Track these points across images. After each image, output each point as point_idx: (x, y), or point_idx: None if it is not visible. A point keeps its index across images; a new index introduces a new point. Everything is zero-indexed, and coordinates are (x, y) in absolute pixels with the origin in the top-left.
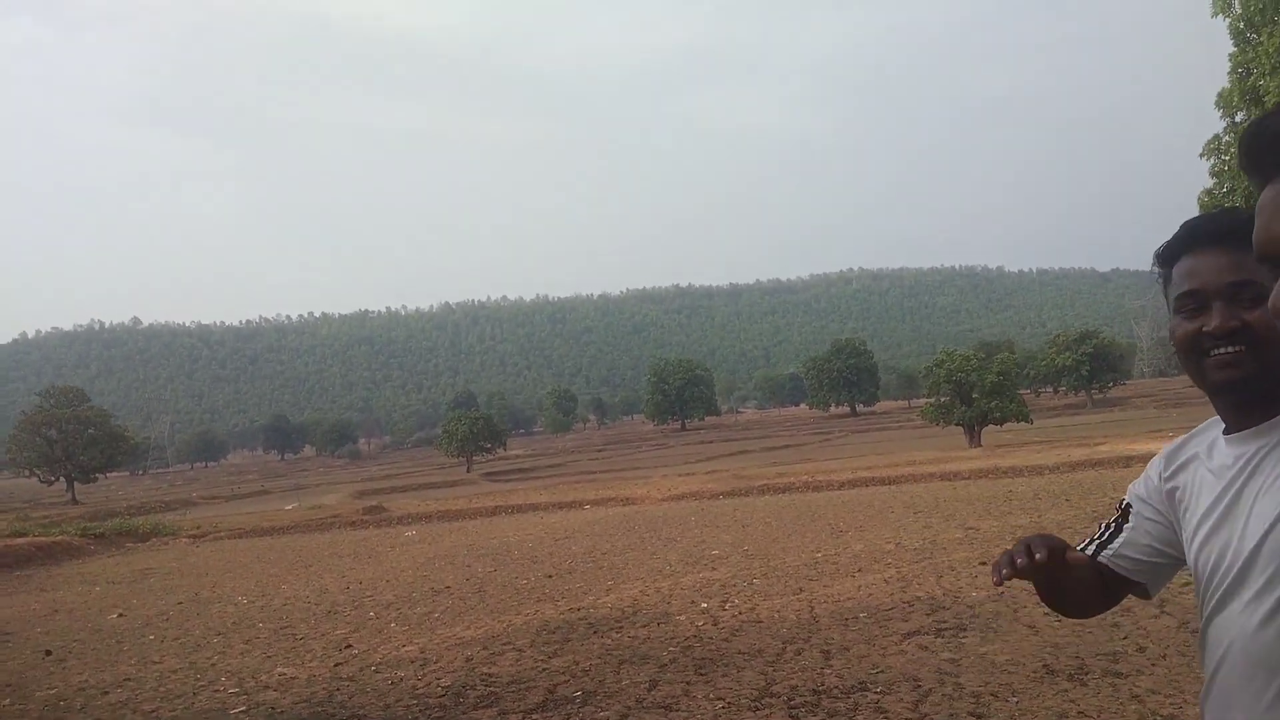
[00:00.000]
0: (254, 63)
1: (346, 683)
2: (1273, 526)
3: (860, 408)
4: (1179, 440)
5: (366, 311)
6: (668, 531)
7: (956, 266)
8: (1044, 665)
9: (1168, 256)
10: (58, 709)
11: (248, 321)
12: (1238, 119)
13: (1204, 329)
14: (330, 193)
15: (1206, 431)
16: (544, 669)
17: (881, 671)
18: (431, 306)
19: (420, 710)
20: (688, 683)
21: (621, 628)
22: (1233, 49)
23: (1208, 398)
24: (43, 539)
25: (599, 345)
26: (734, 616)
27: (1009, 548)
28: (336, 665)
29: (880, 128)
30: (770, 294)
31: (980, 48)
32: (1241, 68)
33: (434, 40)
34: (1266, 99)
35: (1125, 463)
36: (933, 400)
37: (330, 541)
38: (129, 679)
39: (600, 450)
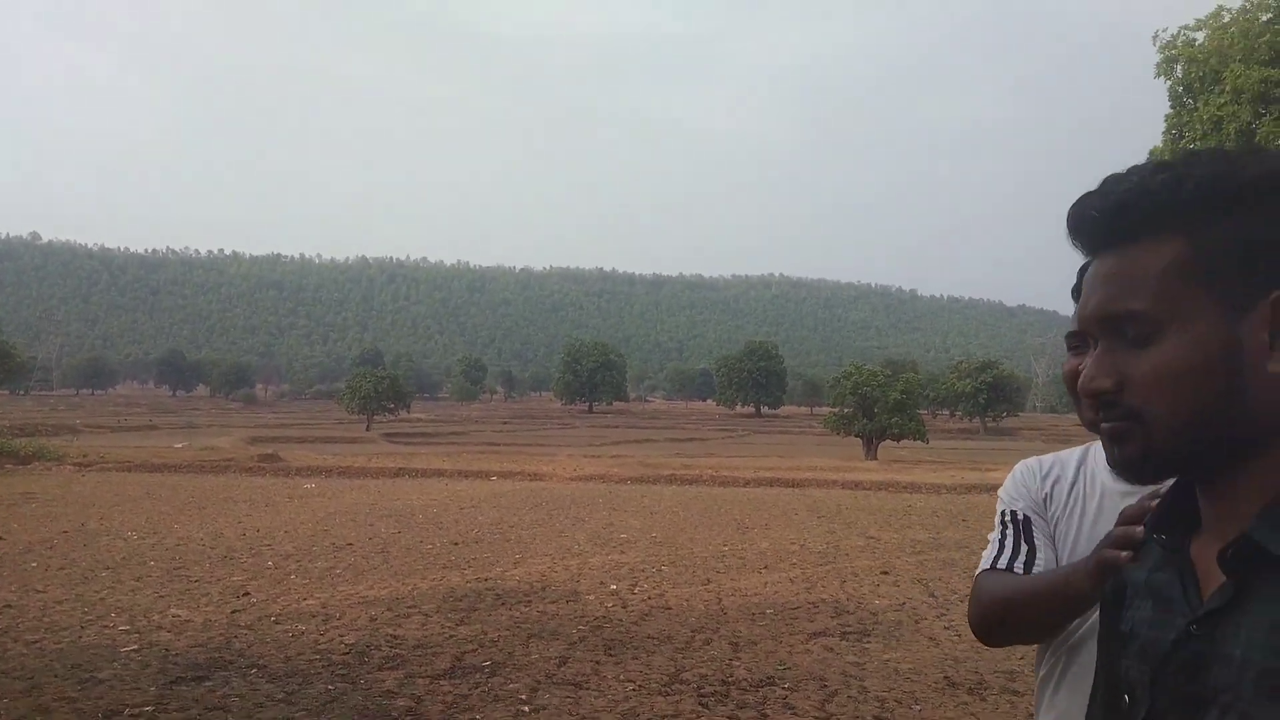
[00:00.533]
0: None
1: (244, 630)
2: None
3: (765, 409)
4: (1044, 459)
5: (279, 255)
6: (576, 511)
7: (872, 284)
8: (945, 677)
9: (1077, 295)
10: None
11: (154, 251)
12: None
13: (1081, 368)
14: (258, 132)
15: (1079, 455)
16: (451, 636)
17: (789, 668)
18: (347, 259)
19: (324, 666)
20: (597, 662)
21: (530, 602)
22: (1169, 110)
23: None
24: None
25: (515, 319)
26: (643, 601)
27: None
28: (234, 612)
29: (821, 143)
30: (691, 288)
31: (930, 80)
32: (1175, 129)
33: None
34: None
35: None
36: (836, 410)
37: (225, 485)
38: (9, 605)
39: (505, 423)
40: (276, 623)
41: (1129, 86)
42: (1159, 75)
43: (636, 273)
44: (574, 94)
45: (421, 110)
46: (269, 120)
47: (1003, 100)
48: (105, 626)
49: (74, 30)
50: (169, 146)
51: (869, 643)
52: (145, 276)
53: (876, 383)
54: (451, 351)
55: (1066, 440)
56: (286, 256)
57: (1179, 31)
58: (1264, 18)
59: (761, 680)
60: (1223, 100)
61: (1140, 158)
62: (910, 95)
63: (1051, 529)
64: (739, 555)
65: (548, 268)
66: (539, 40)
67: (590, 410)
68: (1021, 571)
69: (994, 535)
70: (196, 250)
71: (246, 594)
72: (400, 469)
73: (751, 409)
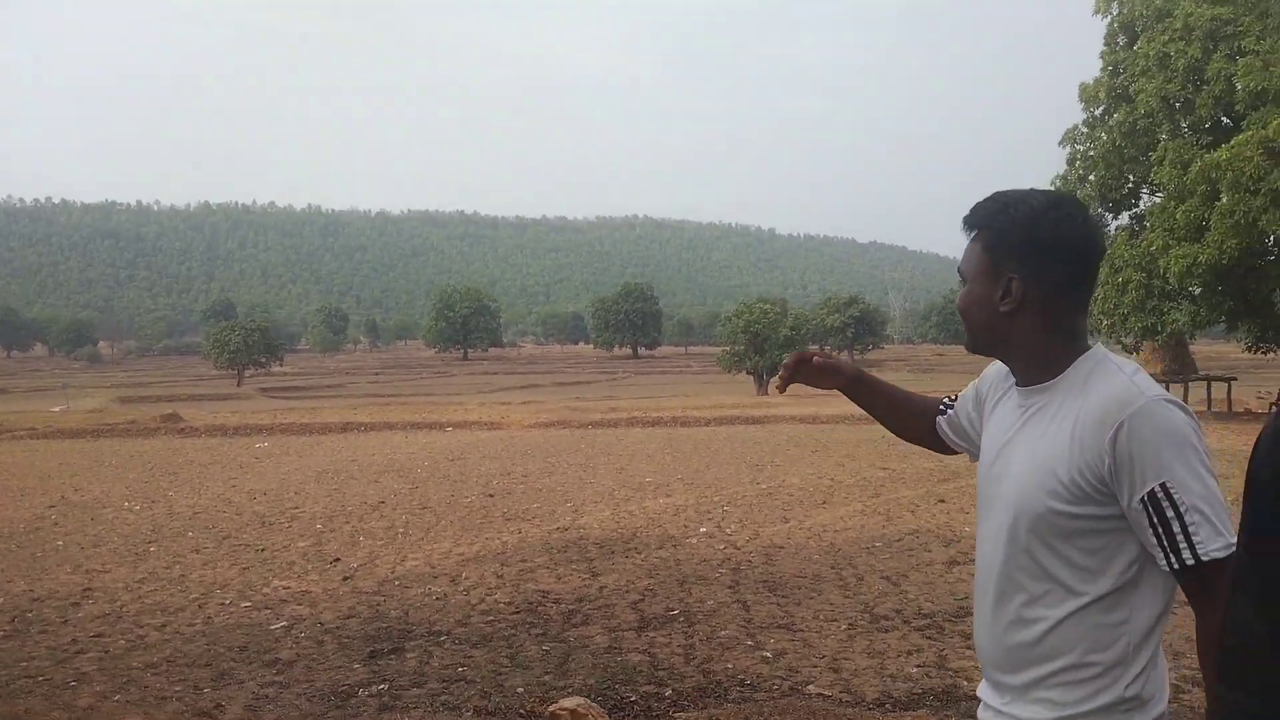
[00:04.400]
0: None
1: (377, 597)
2: (1018, 477)
3: (642, 350)
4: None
5: (114, 203)
6: (570, 458)
7: (733, 224)
8: None
9: None
10: (26, 620)
11: None
12: (1098, 112)
13: None
14: (83, 62)
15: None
16: (601, 587)
17: (965, 597)
18: (189, 205)
19: (510, 628)
20: (776, 604)
21: (636, 550)
22: (1103, 48)
23: None
24: None
25: (373, 264)
26: (748, 542)
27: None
28: (345, 579)
29: (683, 82)
30: (556, 231)
31: (796, 17)
32: (1110, 65)
33: None
34: (1138, 97)
35: None
36: (729, 348)
37: (170, 449)
38: (87, 589)
39: (378, 374)
40: (403, 586)
41: (983, 28)
42: (1096, 12)
43: (499, 215)
44: (425, 22)
45: (260, 41)
46: (94, 53)
47: (852, 41)
48: (223, 604)
49: None
50: None
51: None
52: None
53: (767, 320)
54: (306, 300)
55: (928, 370)
56: (121, 204)
57: None
58: None
59: (958, 611)
60: (1167, 38)
61: (989, 98)
62: (761, 33)
63: (982, 421)
64: (785, 492)
65: (405, 211)
66: None
67: (465, 358)
68: (941, 408)
69: None
70: (21, 199)
71: (336, 560)
72: (347, 424)
73: (628, 350)
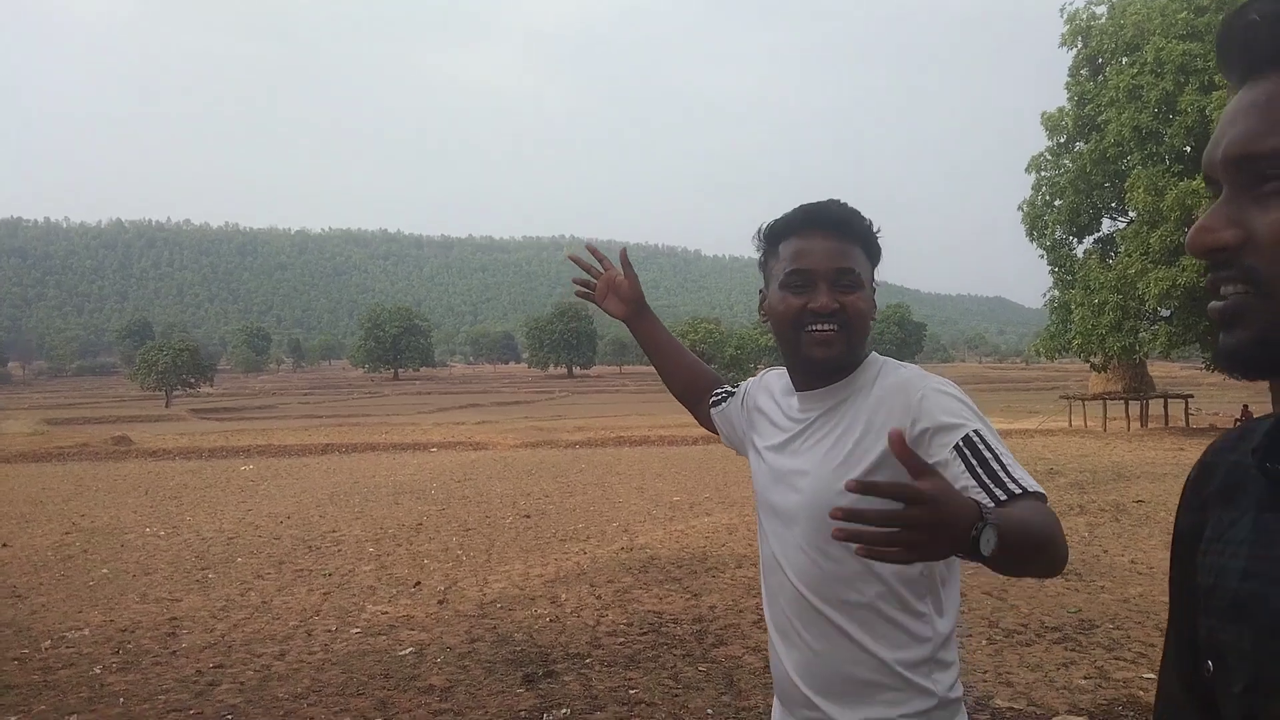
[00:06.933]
0: None
1: (490, 621)
2: (814, 480)
3: (576, 370)
4: (768, 373)
5: (20, 219)
6: (578, 478)
7: (660, 245)
8: None
9: (776, 234)
10: (130, 652)
11: None
12: (1062, 140)
13: (808, 305)
14: None
15: (776, 375)
16: (710, 606)
17: (1077, 610)
18: (100, 222)
19: (648, 648)
20: None
21: (718, 569)
22: (1068, 79)
23: (788, 364)
24: None
25: (293, 283)
26: None
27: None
28: (440, 603)
29: (602, 105)
30: (482, 250)
31: (706, 48)
32: (1076, 96)
33: None
34: (1108, 127)
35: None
36: None
37: (152, 473)
38: (172, 619)
39: (307, 395)
40: (506, 609)
41: (895, 63)
42: (1063, 45)
43: (424, 234)
44: (346, 43)
45: (173, 58)
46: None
47: (764, 71)
48: (330, 631)
49: None
50: None
51: (1100, 584)
52: None
53: (712, 340)
54: (225, 320)
55: None
56: (29, 220)
57: (1085, 5)
58: None
59: (1082, 623)
60: (1136, 70)
61: (887, 133)
62: (681, 62)
63: (751, 427)
64: None
65: (326, 229)
66: None
67: (396, 378)
68: (712, 402)
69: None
70: None
71: (418, 583)
72: (327, 445)
73: (563, 370)
